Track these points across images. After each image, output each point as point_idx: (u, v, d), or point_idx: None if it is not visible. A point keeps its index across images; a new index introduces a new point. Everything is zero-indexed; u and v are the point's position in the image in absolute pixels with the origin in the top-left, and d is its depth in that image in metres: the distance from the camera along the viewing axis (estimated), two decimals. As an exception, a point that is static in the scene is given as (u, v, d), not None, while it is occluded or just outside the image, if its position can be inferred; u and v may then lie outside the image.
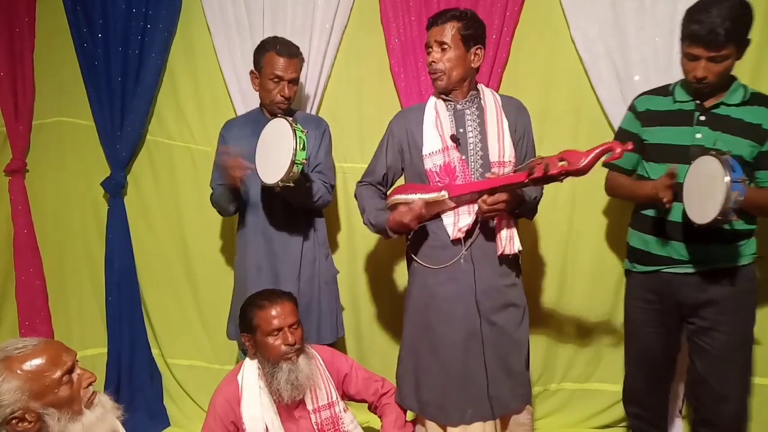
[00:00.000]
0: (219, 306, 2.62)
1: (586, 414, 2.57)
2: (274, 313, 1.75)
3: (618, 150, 1.59)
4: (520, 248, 1.87)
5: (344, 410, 1.88)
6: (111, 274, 2.59)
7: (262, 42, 2.14)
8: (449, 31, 1.80)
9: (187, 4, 2.47)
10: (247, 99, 2.45)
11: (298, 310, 1.82)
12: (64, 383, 1.26)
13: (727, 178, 1.58)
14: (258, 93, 2.16)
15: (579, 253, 2.48)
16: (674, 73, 2.21)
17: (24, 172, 2.61)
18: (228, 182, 2.01)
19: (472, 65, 1.86)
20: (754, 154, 1.81)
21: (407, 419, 1.99)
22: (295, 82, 2.12)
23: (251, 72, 2.15)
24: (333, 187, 2.21)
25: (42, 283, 2.66)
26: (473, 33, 1.83)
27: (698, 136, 1.83)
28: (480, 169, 1.84)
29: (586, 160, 1.58)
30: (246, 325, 1.81)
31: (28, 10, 2.52)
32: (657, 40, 2.22)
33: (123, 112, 2.50)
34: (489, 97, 1.91)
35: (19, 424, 1.22)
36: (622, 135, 2.00)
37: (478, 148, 1.86)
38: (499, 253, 1.83)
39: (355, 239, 2.57)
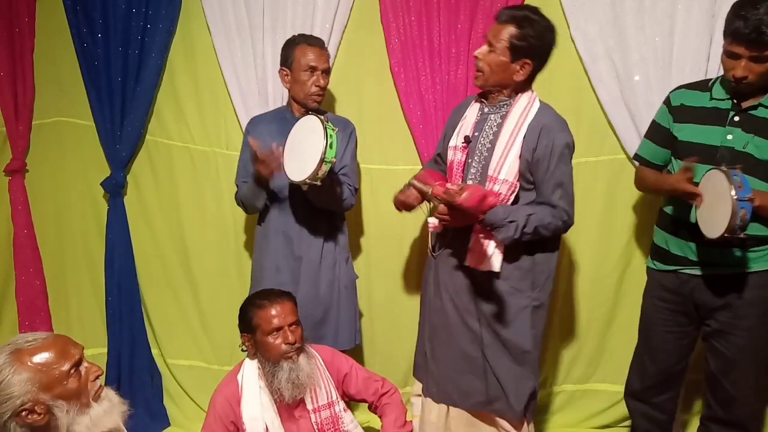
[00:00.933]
0: (219, 306, 2.63)
1: (587, 414, 2.57)
2: (273, 312, 1.75)
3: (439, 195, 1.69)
4: (497, 269, 1.81)
5: (344, 410, 1.88)
6: (111, 274, 2.59)
7: (290, 39, 2.13)
8: (504, 35, 1.74)
9: (187, 4, 2.47)
10: (247, 99, 2.45)
11: (297, 310, 1.82)
12: (73, 376, 1.27)
13: (735, 196, 1.55)
14: (289, 89, 2.13)
15: (579, 253, 2.48)
16: (674, 73, 2.22)
17: (24, 172, 2.61)
18: (263, 175, 1.97)
19: (515, 78, 1.78)
20: None
21: (407, 418, 1.99)
22: (328, 72, 2.12)
23: (281, 70, 2.13)
24: (357, 190, 2.20)
25: (42, 283, 2.66)
26: (527, 46, 1.74)
27: (729, 137, 1.78)
28: (478, 179, 1.82)
29: (463, 198, 1.59)
30: (246, 325, 1.81)
31: (28, 10, 2.52)
32: (657, 40, 2.23)
33: (123, 112, 2.50)
34: (518, 110, 1.81)
35: (29, 416, 1.23)
36: (654, 127, 1.97)
37: (482, 158, 1.83)
38: (467, 262, 1.85)
39: (355, 240, 2.57)
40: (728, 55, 1.71)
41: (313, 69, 2.05)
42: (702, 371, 2.07)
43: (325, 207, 2.09)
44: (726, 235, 1.59)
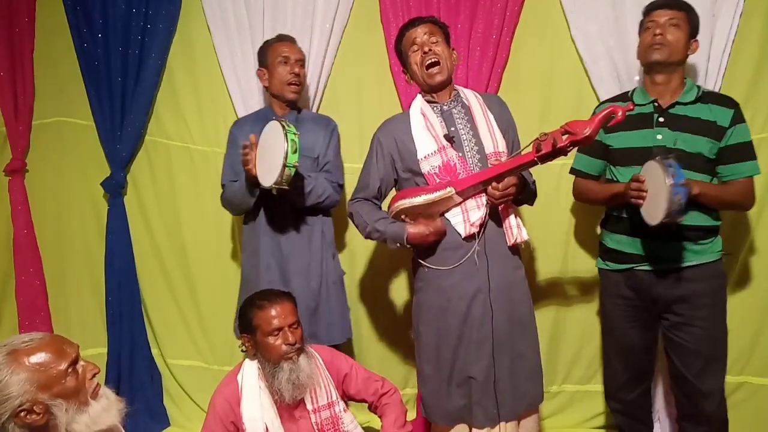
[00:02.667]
0: (218, 306, 2.63)
1: (587, 415, 2.57)
2: (273, 313, 1.75)
3: (620, 113, 1.58)
4: (527, 236, 1.87)
5: (344, 410, 1.87)
6: (111, 274, 2.59)
7: (263, 43, 2.19)
8: (433, 29, 1.88)
9: (187, 4, 2.47)
10: (246, 99, 2.45)
11: (297, 310, 1.82)
12: (70, 374, 1.28)
13: (669, 182, 1.64)
14: (268, 88, 2.18)
15: (579, 255, 2.49)
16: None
17: (24, 172, 2.61)
18: (249, 175, 1.97)
19: (458, 63, 1.96)
20: (714, 151, 1.88)
21: (407, 419, 1.98)
22: (302, 64, 2.17)
23: (258, 70, 2.18)
24: (341, 186, 2.21)
25: (42, 283, 2.66)
26: (448, 33, 1.93)
27: (659, 137, 1.90)
28: (478, 164, 1.84)
29: (591, 128, 1.58)
30: (246, 326, 1.80)
31: (28, 10, 2.52)
32: (657, 40, 2.22)
33: (123, 112, 2.50)
34: (470, 96, 1.93)
35: (28, 416, 1.23)
36: None
37: (472, 144, 1.86)
38: (511, 242, 1.83)
39: (354, 240, 2.57)
40: (647, 27, 1.93)
41: (286, 59, 2.12)
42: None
43: (302, 206, 2.10)
44: (665, 220, 1.68)
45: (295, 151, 1.80)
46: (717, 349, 1.95)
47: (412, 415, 2.51)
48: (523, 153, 1.75)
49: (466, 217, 1.81)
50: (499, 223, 1.85)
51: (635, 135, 1.94)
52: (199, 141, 2.56)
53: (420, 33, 1.86)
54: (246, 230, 2.22)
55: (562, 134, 1.61)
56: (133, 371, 2.64)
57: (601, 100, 2.23)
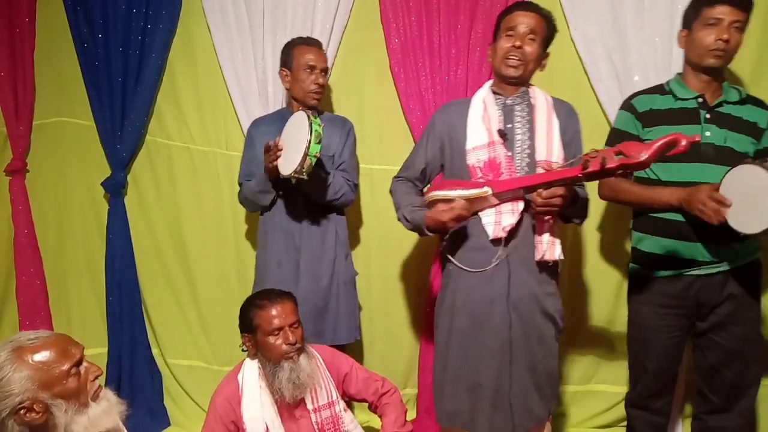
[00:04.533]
0: (219, 306, 2.63)
1: (587, 415, 2.57)
2: (274, 312, 1.75)
3: (683, 142, 1.46)
4: (561, 256, 1.76)
5: (344, 410, 1.88)
6: (111, 274, 2.59)
7: (289, 41, 2.18)
8: (541, 26, 1.76)
9: (187, 4, 2.47)
10: (247, 99, 2.45)
11: (297, 310, 1.82)
12: (73, 375, 1.27)
13: None
14: (289, 90, 2.18)
15: (580, 254, 2.49)
16: (674, 73, 2.21)
17: (24, 172, 2.61)
18: (268, 170, 1.99)
19: (540, 70, 1.83)
20: (752, 152, 1.85)
21: (407, 419, 1.99)
22: (326, 72, 2.17)
23: (281, 70, 2.18)
24: (356, 186, 2.22)
25: (42, 283, 2.66)
26: (551, 37, 1.82)
27: (708, 134, 1.82)
28: (526, 168, 1.75)
29: (648, 154, 1.45)
30: (246, 326, 1.81)
31: (29, 10, 2.52)
32: (657, 40, 2.23)
33: (123, 112, 2.50)
34: (540, 96, 1.83)
35: (27, 414, 1.23)
36: (618, 136, 1.94)
37: (525, 146, 1.77)
38: (538, 258, 1.74)
39: (354, 240, 2.57)
40: (708, 23, 1.77)
41: (312, 68, 2.11)
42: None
43: (320, 201, 2.10)
44: None
45: (318, 142, 1.82)
46: (758, 347, 1.91)
47: (412, 415, 2.52)
48: (571, 166, 1.64)
49: (499, 219, 1.73)
50: (533, 233, 1.75)
51: (681, 130, 1.77)
52: (200, 141, 2.56)
53: (524, 22, 1.74)
54: (261, 227, 2.23)
55: (615, 154, 1.49)
56: (134, 371, 2.64)
57: (635, 91, 2.03)
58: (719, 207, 1.66)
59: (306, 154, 1.81)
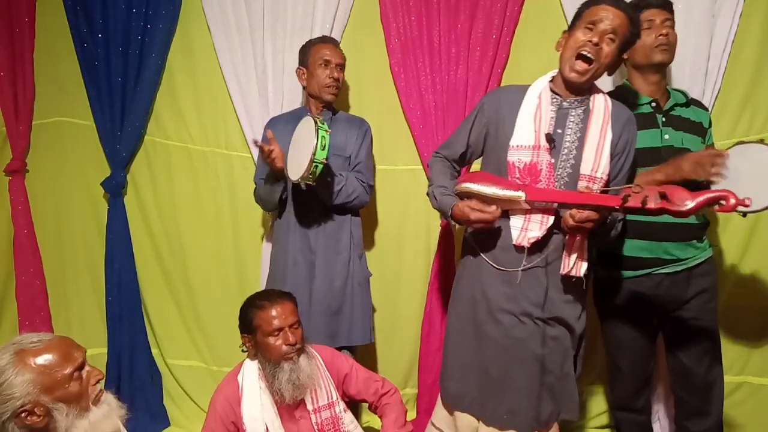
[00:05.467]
0: (218, 306, 2.63)
1: (588, 414, 2.57)
2: (274, 313, 1.75)
3: (732, 201, 1.41)
4: (586, 272, 1.72)
5: (344, 410, 1.87)
6: (111, 274, 2.59)
7: (306, 42, 2.22)
8: (624, 27, 1.62)
9: (187, 4, 2.47)
10: (246, 99, 2.45)
11: (297, 310, 1.82)
12: (74, 379, 1.28)
13: None
14: (306, 88, 2.20)
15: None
16: (674, 73, 2.22)
17: (24, 172, 2.60)
18: (275, 168, 1.99)
19: (607, 73, 1.70)
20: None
21: (407, 419, 1.99)
22: (342, 67, 2.19)
23: (298, 69, 2.21)
24: (371, 187, 2.22)
25: (42, 283, 2.66)
26: (632, 40, 1.67)
27: (666, 137, 1.90)
28: (566, 179, 1.69)
29: (692, 206, 1.41)
30: (246, 326, 1.80)
31: (28, 10, 2.52)
32: (657, 40, 2.22)
33: (123, 112, 2.50)
34: (600, 102, 1.71)
35: (29, 418, 1.23)
36: None
37: (571, 156, 1.69)
38: (564, 272, 1.70)
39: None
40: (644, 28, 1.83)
41: (327, 62, 2.14)
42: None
43: (328, 204, 2.10)
44: None
45: (323, 148, 1.82)
46: (717, 338, 2.00)
47: (412, 415, 2.51)
48: (611, 193, 1.59)
49: (526, 226, 1.69)
50: (561, 248, 1.72)
51: (642, 135, 1.85)
52: (199, 141, 2.56)
53: (608, 17, 1.59)
54: (276, 226, 2.24)
55: (660, 195, 1.45)
56: (133, 371, 2.64)
57: None
58: (718, 160, 1.69)
59: (312, 161, 1.81)
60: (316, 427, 1.81)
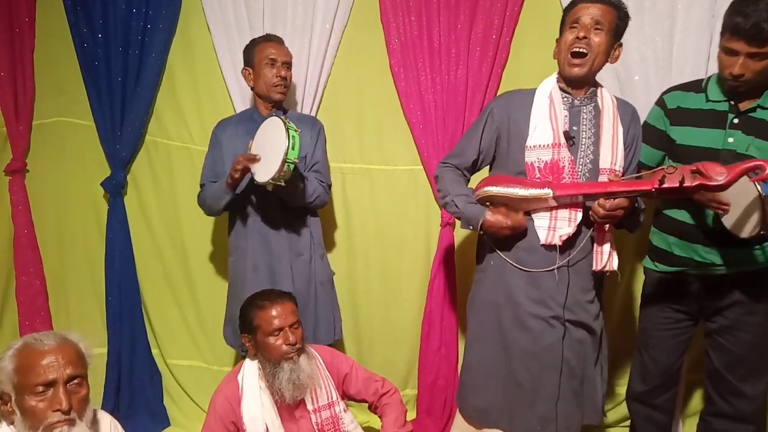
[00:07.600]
0: (218, 306, 2.61)
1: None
2: (274, 313, 1.75)
3: None
4: (617, 266, 1.73)
5: (344, 410, 1.88)
6: (111, 274, 2.59)
7: (249, 42, 2.19)
8: (608, 15, 1.65)
9: (187, 4, 2.47)
10: (246, 99, 2.45)
11: (298, 310, 1.82)
12: (36, 393, 1.24)
13: (764, 193, 1.54)
14: (253, 88, 2.18)
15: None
16: (674, 73, 2.22)
17: (24, 172, 2.60)
18: (238, 176, 1.97)
19: (609, 61, 1.72)
20: None
21: (407, 419, 1.99)
22: (288, 66, 2.15)
23: (243, 69, 2.18)
24: (330, 186, 2.21)
25: (42, 283, 2.66)
26: (623, 24, 1.69)
27: (730, 140, 1.77)
28: (587, 174, 1.71)
29: (726, 178, 1.42)
30: (246, 326, 1.81)
31: (28, 10, 2.52)
32: (657, 40, 2.23)
33: (123, 112, 2.50)
34: (607, 98, 1.76)
35: (2, 406, 1.28)
36: (647, 129, 1.92)
37: (589, 151, 1.71)
38: (598, 268, 1.71)
39: (354, 240, 2.57)
40: (726, 51, 1.70)
41: (273, 61, 2.10)
42: (699, 370, 2.07)
43: (297, 205, 2.09)
44: (762, 232, 1.61)
45: (293, 147, 1.81)
46: (764, 355, 1.90)
47: (412, 415, 2.52)
48: (643, 178, 1.59)
49: (553, 225, 1.69)
50: (590, 243, 1.72)
51: (703, 133, 1.79)
52: (199, 141, 2.56)
53: (588, 12, 1.65)
54: (233, 233, 2.21)
55: (692, 172, 1.45)
56: (133, 371, 2.64)
57: (674, 85, 1.95)
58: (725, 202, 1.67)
59: (284, 161, 1.79)
60: (316, 427, 1.81)
